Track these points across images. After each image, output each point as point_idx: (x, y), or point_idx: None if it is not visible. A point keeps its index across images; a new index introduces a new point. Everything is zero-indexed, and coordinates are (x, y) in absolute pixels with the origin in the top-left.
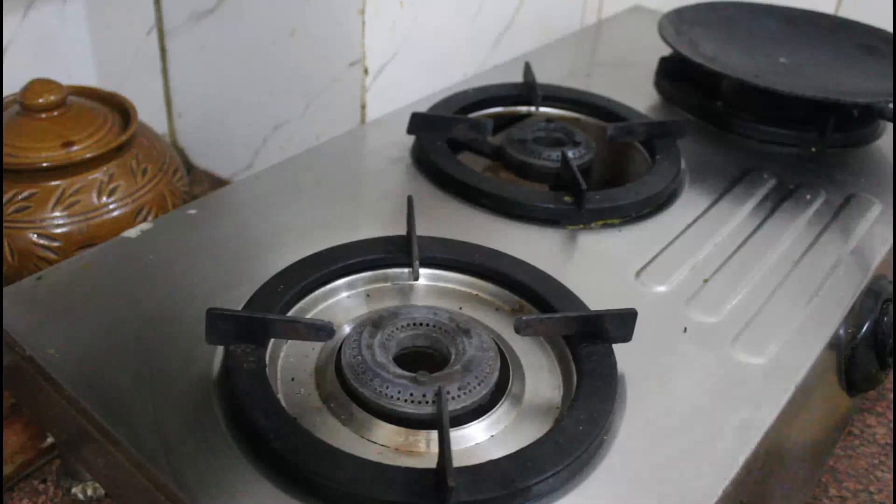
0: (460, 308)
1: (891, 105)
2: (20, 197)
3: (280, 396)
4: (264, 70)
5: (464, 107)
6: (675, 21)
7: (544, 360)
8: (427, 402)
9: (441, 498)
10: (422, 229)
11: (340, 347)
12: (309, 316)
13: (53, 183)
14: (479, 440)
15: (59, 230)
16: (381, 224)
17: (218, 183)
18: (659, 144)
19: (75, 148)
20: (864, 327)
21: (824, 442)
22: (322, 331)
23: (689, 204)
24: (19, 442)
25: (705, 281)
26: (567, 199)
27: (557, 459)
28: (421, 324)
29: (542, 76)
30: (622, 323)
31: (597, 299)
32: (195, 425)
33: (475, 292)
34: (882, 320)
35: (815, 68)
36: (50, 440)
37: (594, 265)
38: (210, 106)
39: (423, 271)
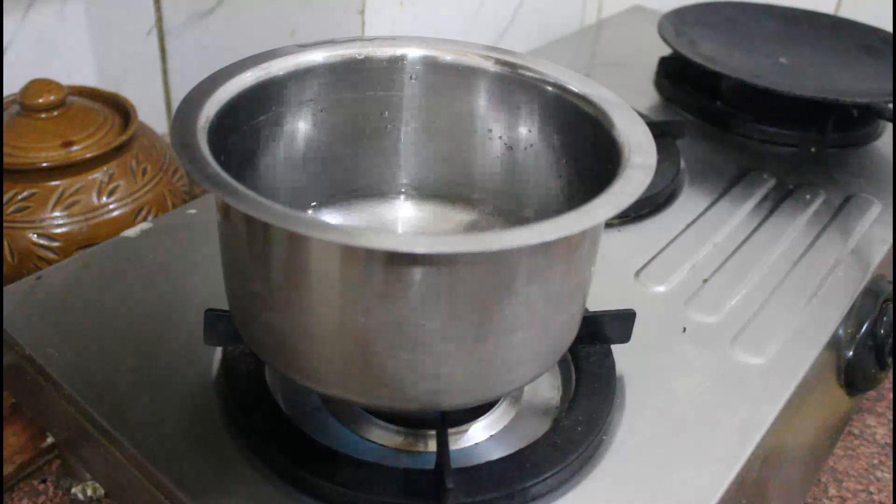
0: None
1: (891, 105)
2: (20, 197)
3: (278, 397)
4: None
5: None
6: (675, 21)
7: None
8: None
9: (439, 498)
10: None
11: None
12: None
13: (53, 183)
14: (477, 440)
15: (59, 230)
16: None
17: None
18: (658, 144)
19: (75, 148)
20: (864, 327)
21: (824, 442)
22: None
23: (688, 204)
24: (19, 442)
25: (705, 281)
26: None
27: (556, 460)
28: None
29: None
30: (621, 323)
31: (596, 299)
32: (195, 425)
33: None
34: (881, 320)
35: (815, 68)
36: (50, 440)
37: None
38: None
39: None
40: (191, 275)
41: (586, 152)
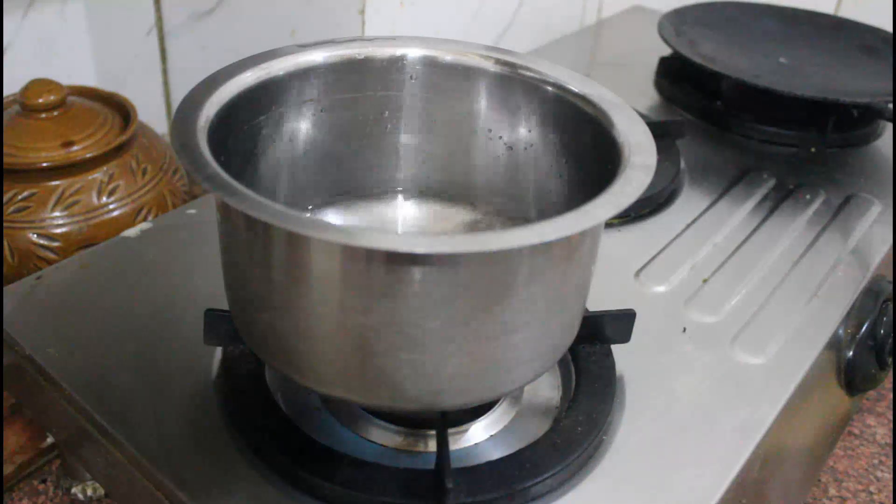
0: None
1: (891, 105)
2: (20, 197)
3: (278, 397)
4: None
5: None
6: (675, 21)
7: None
8: None
9: (439, 499)
10: None
11: None
12: None
13: (53, 183)
14: (477, 440)
15: (59, 230)
16: None
17: None
18: (658, 144)
19: (75, 148)
20: (864, 327)
21: (824, 442)
22: None
23: (688, 204)
24: (19, 442)
25: (705, 281)
26: None
27: (556, 460)
28: None
29: None
30: (621, 324)
31: (596, 299)
32: (195, 425)
33: None
34: (881, 320)
35: (815, 68)
36: (50, 440)
37: None
38: None
39: None
40: (191, 275)
41: (586, 152)
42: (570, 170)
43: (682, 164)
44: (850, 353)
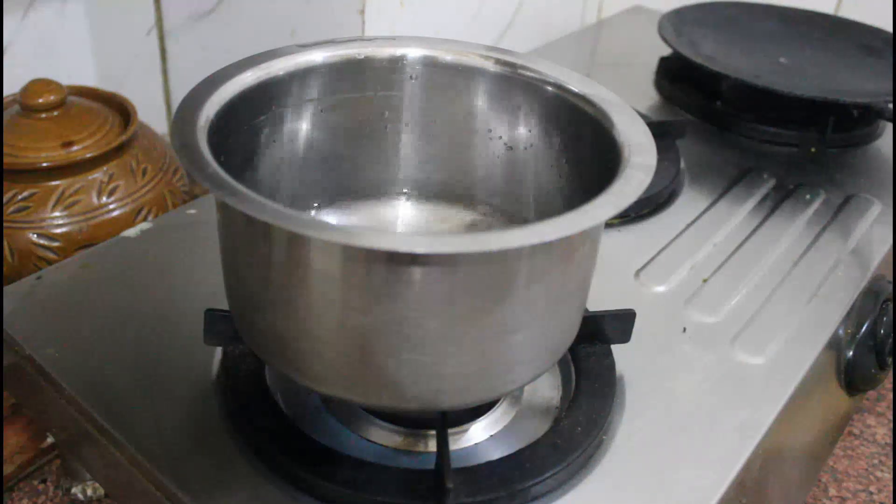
0: None
1: (891, 105)
2: (20, 197)
3: (278, 397)
4: None
5: None
6: (675, 21)
7: None
8: None
9: (439, 499)
10: None
11: None
12: None
13: (53, 183)
14: (477, 440)
15: (59, 230)
16: None
17: None
18: (658, 144)
19: (75, 148)
20: (864, 327)
21: (824, 442)
22: None
23: (688, 204)
24: (19, 442)
25: (705, 281)
26: None
27: (556, 460)
28: None
29: None
30: (621, 324)
31: (596, 299)
32: (195, 425)
33: None
34: (881, 320)
35: (815, 68)
36: (50, 440)
37: None
38: None
39: None
40: (191, 275)
41: (586, 152)
42: (570, 170)
43: (682, 164)
44: (850, 353)
